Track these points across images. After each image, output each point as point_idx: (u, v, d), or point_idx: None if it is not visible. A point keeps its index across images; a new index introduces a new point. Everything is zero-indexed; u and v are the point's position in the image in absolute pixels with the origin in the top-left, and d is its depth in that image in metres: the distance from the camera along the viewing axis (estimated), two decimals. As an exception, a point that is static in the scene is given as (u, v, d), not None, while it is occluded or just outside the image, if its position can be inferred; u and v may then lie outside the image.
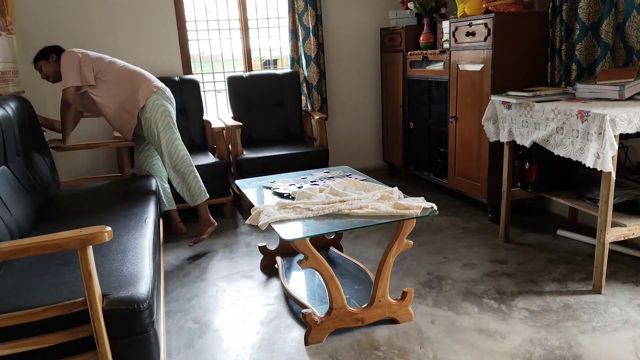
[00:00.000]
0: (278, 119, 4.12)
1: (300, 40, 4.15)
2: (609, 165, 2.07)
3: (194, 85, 3.91)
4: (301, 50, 4.19)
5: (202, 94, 3.98)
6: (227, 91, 4.07)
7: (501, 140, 2.78)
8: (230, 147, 3.76)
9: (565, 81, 2.92)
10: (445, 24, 3.39)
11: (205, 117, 3.98)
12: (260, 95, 4.08)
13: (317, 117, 3.86)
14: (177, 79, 3.90)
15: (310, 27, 4.10)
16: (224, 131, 3.65)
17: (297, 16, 4.10)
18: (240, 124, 3.69)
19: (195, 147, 3.83)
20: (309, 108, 4.29)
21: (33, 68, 2.96)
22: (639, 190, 2.38)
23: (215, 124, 3.69)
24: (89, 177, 3.24)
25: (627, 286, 2.32)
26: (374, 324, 2.10)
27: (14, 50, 3.33)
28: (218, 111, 4.35)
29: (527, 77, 3.00)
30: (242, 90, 4.03)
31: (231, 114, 4.06)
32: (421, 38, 3.77)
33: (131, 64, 3.82)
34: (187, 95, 3.87)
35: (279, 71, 4.19)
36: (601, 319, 2.07)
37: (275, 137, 4.08)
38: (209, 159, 3.52)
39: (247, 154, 3.63)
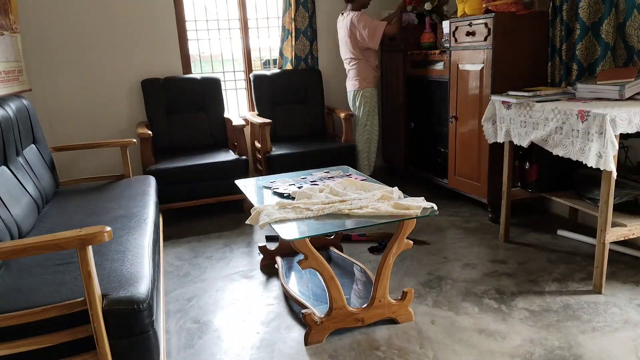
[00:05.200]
0: (301, 115, 4.15)
1: (309, 40, 4.19)
2: (610, 164, 2.08)
3: (216, 84, 3.95)
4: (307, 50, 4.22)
5: (223, 92, 4.03)
6: (253, 89, 4.09)
7: (498, 141, 2.78)
8: (256, 143, 3.82)
9: (565, 81, 2.91)
10: (446, 24, 3.39)
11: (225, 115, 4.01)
12: (284, 93, 4.11)
13: (342, 114, 3.86)
14: (198, 77, 3.93)
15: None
16: (249, 128, 3.67)
17: (308, 16, 4.12)
18: (270, 121, 3.71)
19: (216, 144, 3.89)
20: None
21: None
22: (639, 190, 2.38)
23: (236, 121, 3.69)
24: (89, 177, 3.24)
25: (627, 286, 2.32)
26: (374, 324, 2.09)
27: (18, 49, 3.33)
28: (228, 109, 4.34)
29: (527, 77, 2.99)
30: (266, 88, 4.07)
31: (256, 112, 4.08)
32: (422, 38, 3.77)
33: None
34: (209, 93, 3.92)
35: (301, 69, 4.23)
36: (601, 319, 2.07)
37: (299, 134, 4.11)
38: (230, 155, 3.54)
39: (276, 151, 3.66)
